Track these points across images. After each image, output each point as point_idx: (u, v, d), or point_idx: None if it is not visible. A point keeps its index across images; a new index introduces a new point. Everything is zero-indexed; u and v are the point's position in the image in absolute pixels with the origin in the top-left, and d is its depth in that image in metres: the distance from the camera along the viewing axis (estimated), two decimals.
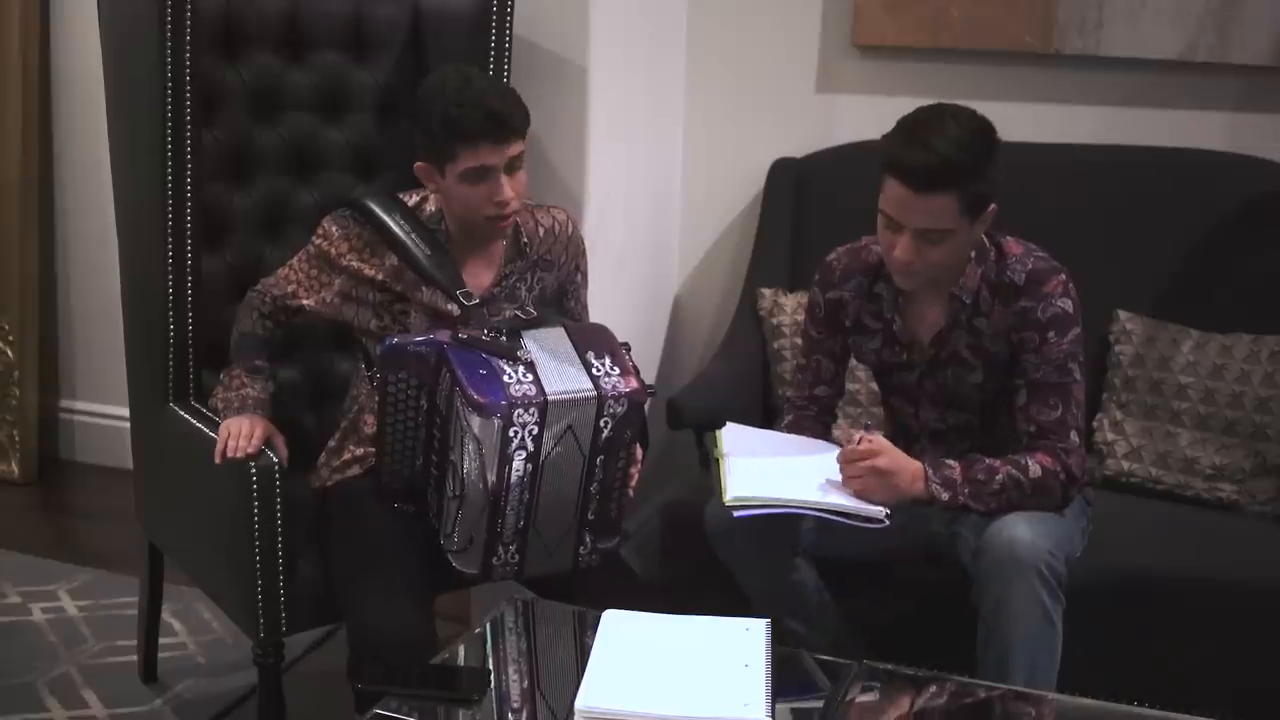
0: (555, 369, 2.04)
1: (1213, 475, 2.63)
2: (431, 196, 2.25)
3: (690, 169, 3.31)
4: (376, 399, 2.22)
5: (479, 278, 2.24)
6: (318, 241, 2.24)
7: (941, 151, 2.04)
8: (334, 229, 2.23)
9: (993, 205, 2.13)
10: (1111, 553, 2.32)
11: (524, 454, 2.00)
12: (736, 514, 2.06)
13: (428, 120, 2.12)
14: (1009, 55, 3.01)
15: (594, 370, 2.05)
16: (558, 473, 2.05)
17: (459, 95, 2.10)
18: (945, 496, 2.12)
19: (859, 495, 2.09)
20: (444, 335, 2.08)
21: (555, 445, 2.02)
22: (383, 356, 2.09)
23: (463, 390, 1.99)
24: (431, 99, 2.13)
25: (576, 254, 2.35)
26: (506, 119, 2.11)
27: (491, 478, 2.00)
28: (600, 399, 2.03)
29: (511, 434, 1.98)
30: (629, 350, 2.14)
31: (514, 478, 2.01)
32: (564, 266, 2.33)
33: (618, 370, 2.06)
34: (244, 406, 2.25)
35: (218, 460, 2.18)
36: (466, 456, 2.02)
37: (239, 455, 2.16)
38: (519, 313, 2.21)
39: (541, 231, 2.30)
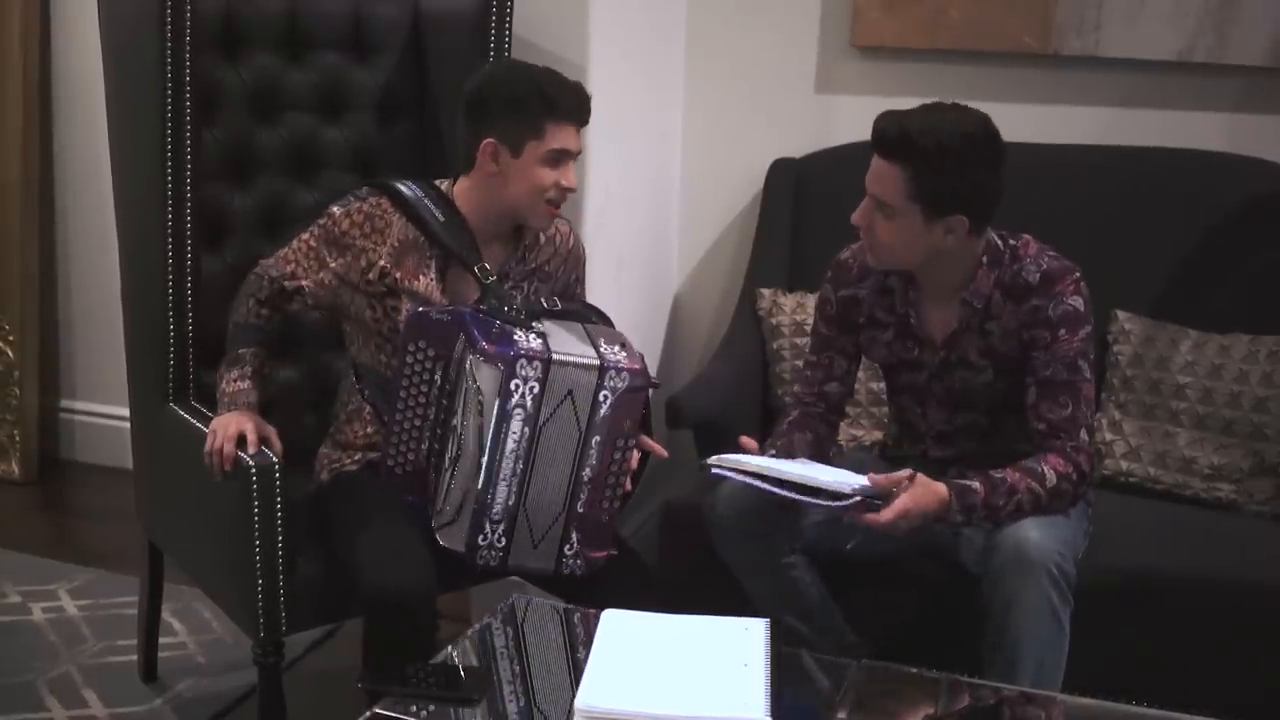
0: (564, 340, 2.10)
1: (1211, 475, 2.63)
2: (451, 184, 2.26)
3: (689, 169, 3.32)
4: (366, 408, 2.28)
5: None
6: (322, 222, 2.25)
7: (906, 125, 2.09)
8: (337, 210, 2.24)
9: (959, 215, 2.12)
10: (1110, 552, 2.32)
11: (522, 414, 2.04)
12: (713, 471, 2.10)
13: (516, 94, 2.16)
14: (1008, 56, 3.01)
15: (601, 349, 2.11)
16: (552, 447, 2.07)
17: (550, 77, 2.19)
18: (960, 519, 2.11)
19: (909, 514, 2.05)
20: (465, 308, 2.14)
21: (554, 412, 2.06)
22: (407, 325, 2.14)
23: (472, 343, 2.05)
24: (519, 79, 2.19)
25: (575, 265, 2.37)
26: (589, 106, 2.22)
27: (489, 437, 2.03)
28: (602, 368, 2.07)
29: (513, 386, 2.03)
30: (657, 385, 2.21)
31: (510, 443, 2.04)
32: (560, 279, 2.34)
33: (625, 354, 2.12)
34: (234, 403, 2.24)
35: (206, 463, 2.18)
36: (468, 417, 2.06)
37: (218, 458, 2.17)
38: (544, 301, 2.24)
39: (542, 239, 2.31)
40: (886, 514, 2.04)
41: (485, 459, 2.04)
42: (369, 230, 2.22)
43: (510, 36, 2.58)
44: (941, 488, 2.08)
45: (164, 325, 2.39)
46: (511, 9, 2.58)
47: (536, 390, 2.04)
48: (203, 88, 2.38)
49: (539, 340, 2.07)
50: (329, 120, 2.62)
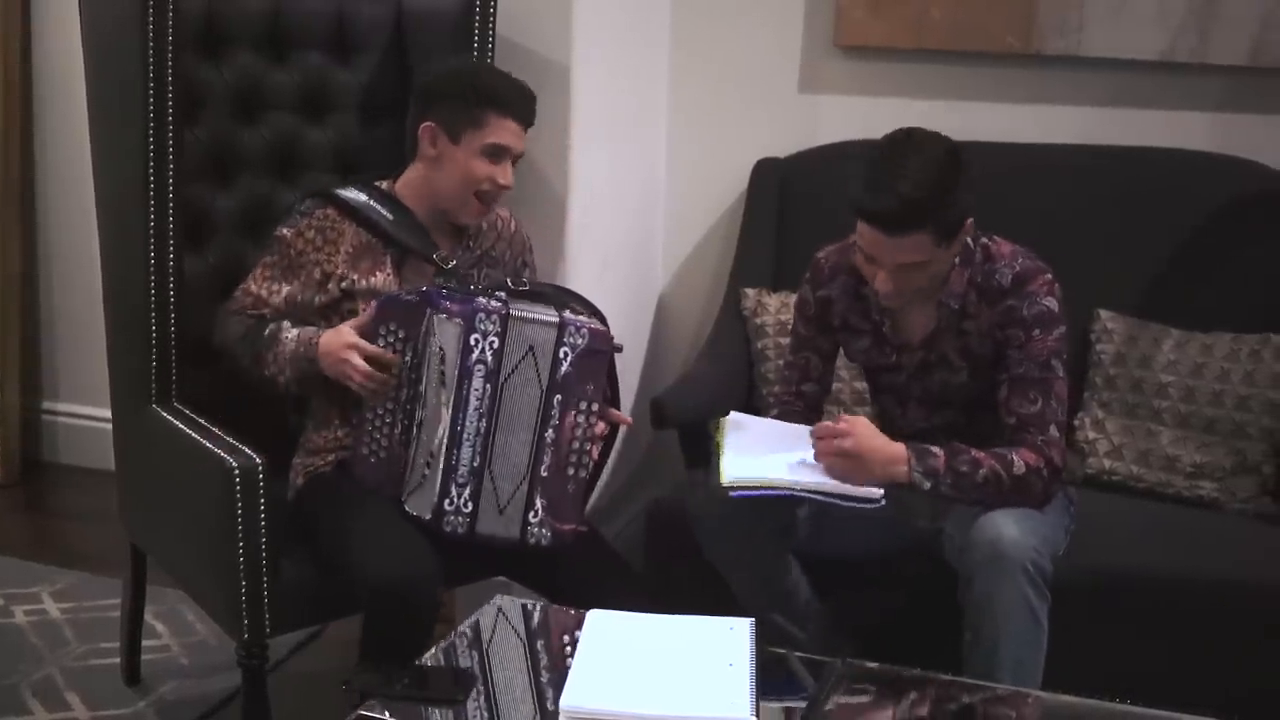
0: (526, 303, 2.15)
1: (1193, 473, 2.64)
2: (392, 181, 2.30)
3: (674, 169, 3.31)
4: (334, 412, 2.28)
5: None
6: (275, 248, 2.30)
7: (905, 194, 2.06)
8: (287, 233, 2.29)
9: (968, 220, 2.14)
10: (1093, 551, 2.33)
11: (483, 370, 2.08)
12: (733, 494, 2.10)
13: (461, 84, 2.24)
14: (990, 56, 3.02)
15: (564, 311, 2.16)
16: (515, 405, 2.11)
17: (496, 73, 2.31)
18: (927, 485, 2.13)
19: (829, 474, 2.11)
20: (434, 287, 2.18)
21: (515, 368, 2.10)
22: (377, 308, 2.16)
23: (435, 307, 2.10)
24: (470, 70, 2.30)
25: (521, 249, 2.43)
26: (534, 108, 2.28)
27: (451, 394, 2.07)
28: (561, 325, 2.12)
29: (473, 341, 2.07)
30: (619, 349, 2.22)
31: (473, 400, 2.08)
32: (509, 263, 2.39)
33: (586, 315, 2.17)
34: (309, 340, 2.19)
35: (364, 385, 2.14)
36: (432, 379, 2.10)
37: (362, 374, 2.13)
38: (510, 281, 2.27)
39: (484, 227, 2.36)
40: (841, 424, 2.11)
41: (448, 417, 2.07)
42: (321, 243, 2.26)
43: (494, 36, 2.58)
44: (900, 445, 2.13)
45: (146, 326, 2.38)
46: (495, 8, 2.57)
47: (496, 345, 2.08)
48: (185, 87, 2.37)
49: (499, 301, 2.12)
50: (311, 120, 2.61)
